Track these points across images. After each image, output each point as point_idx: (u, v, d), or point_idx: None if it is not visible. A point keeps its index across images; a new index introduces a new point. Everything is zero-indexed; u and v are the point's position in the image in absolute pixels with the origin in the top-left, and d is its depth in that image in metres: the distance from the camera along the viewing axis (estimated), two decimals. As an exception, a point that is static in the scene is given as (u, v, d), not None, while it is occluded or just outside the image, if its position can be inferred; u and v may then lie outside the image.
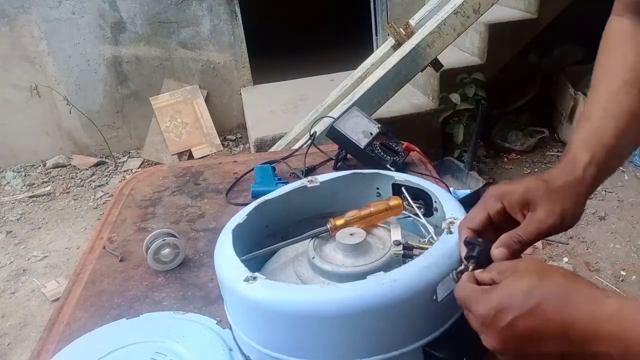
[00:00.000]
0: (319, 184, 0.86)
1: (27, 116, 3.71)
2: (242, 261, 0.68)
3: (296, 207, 0.86)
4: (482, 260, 0.59)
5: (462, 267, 0.61)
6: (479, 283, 0.57)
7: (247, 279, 0.64)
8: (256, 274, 0.65)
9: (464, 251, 0.62)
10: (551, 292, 0.50)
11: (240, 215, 0.79)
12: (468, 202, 0.73)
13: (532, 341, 0.50)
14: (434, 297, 0.62)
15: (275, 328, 0.64)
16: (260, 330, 0.66)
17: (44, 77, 3.64)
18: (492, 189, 0.65)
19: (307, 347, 0.63)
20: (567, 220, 0.61)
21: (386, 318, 0.61)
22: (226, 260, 0.69)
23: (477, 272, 0.58)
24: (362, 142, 1.24)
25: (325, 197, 0.87)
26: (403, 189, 0.82)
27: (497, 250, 0.59)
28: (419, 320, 0.63)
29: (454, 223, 0.69)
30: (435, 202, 0.79)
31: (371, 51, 3.21)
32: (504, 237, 0.60)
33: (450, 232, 0.68)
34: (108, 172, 3.69)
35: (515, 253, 0.59)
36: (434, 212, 0.80)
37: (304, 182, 0.86)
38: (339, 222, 0.74)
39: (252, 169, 1.29)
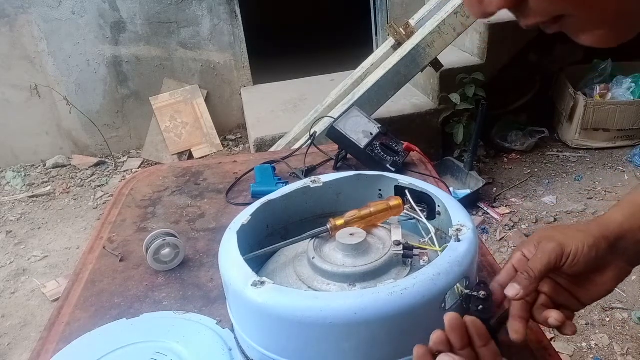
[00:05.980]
0: (322, 184, 0.86)
1: (27, 116, 3.71)
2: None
3: (298, 207, 0.86)
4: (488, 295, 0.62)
5: (470, 292, 0.63)
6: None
7: (254, 284, 0.64)
8: (264, 278, 0.64)
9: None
10: None
11: (244, 216, 0.79)
12: (468, 202, 0.74)
13: None
14: (442, 305, 0.62)
15: (282, 333, 0.64)
16: (266, 335, 0.66)
17: (44, 77, 3.64)
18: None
19: (314, 353, 0.63)
20: (580, 252, 0.61)
21: (395, 326, 0.61)
22: (232, 262, 0.69)
23: None
24: (362, 142, 1.24)
25: (328, 197, 0.87)
26: (407, 191, 0.82)
27: (509, 287, 0.61)
28: (427, 327, 0.63)
29: (461, 230, 0.69)
30: (439, 205, 0.79)
31: (371, 51, 3.21)
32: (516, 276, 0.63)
33: (458, 240, 0.67)
34: (108, 172, 3.69)
35: (527, 288, 0.60)
36: (437, 215, 0.80)
37: (306, 182, 0.86)
38: (339, 222, 0.73)
39: (252, 169, 1.29)
